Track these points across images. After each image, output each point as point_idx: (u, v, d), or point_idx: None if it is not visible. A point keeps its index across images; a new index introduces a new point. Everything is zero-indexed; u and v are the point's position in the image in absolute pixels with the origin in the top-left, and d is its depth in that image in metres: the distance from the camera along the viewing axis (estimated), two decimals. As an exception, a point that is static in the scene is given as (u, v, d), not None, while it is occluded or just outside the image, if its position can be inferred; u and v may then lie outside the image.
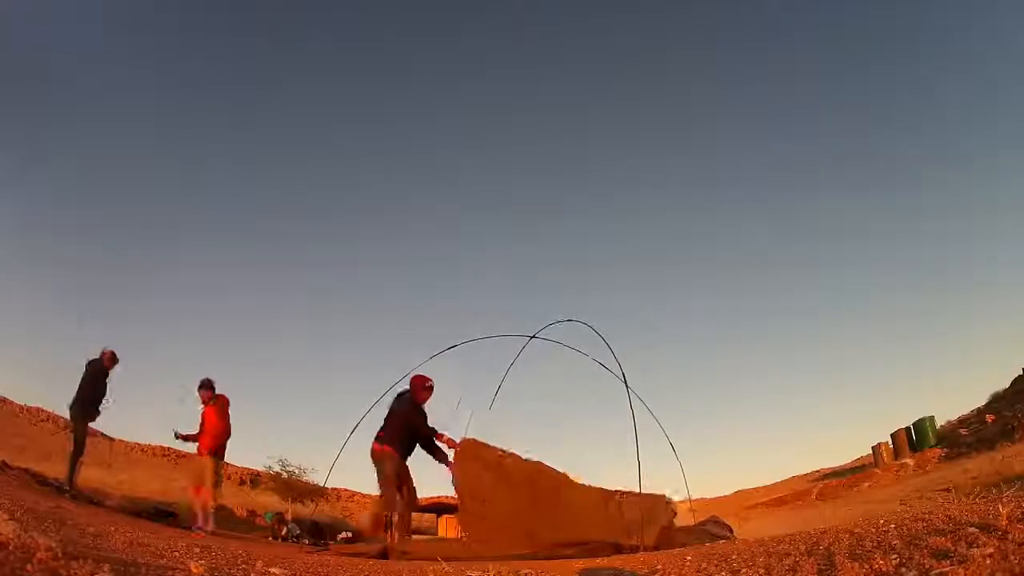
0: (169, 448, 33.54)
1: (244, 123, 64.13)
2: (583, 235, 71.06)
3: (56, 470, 7.32)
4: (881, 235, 63.23)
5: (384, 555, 4.21)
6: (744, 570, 1.58)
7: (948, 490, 9.33)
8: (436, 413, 5.59)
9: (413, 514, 5.74)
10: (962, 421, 20.03)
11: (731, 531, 4.67)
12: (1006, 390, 19.42)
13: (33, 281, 55.18)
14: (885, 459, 18.71)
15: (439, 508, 29.66)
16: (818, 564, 1.42)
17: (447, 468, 5.26)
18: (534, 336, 6.29)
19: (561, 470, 4.91)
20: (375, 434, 5.46)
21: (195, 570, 1.45)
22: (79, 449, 6.84)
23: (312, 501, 25.01)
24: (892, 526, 1.89)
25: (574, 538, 4.11)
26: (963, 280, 58.63)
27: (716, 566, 1.79)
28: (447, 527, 26.76)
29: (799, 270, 67.61)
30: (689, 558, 2.17)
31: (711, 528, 4.62)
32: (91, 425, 7.27)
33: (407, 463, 5.40)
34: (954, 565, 1.13)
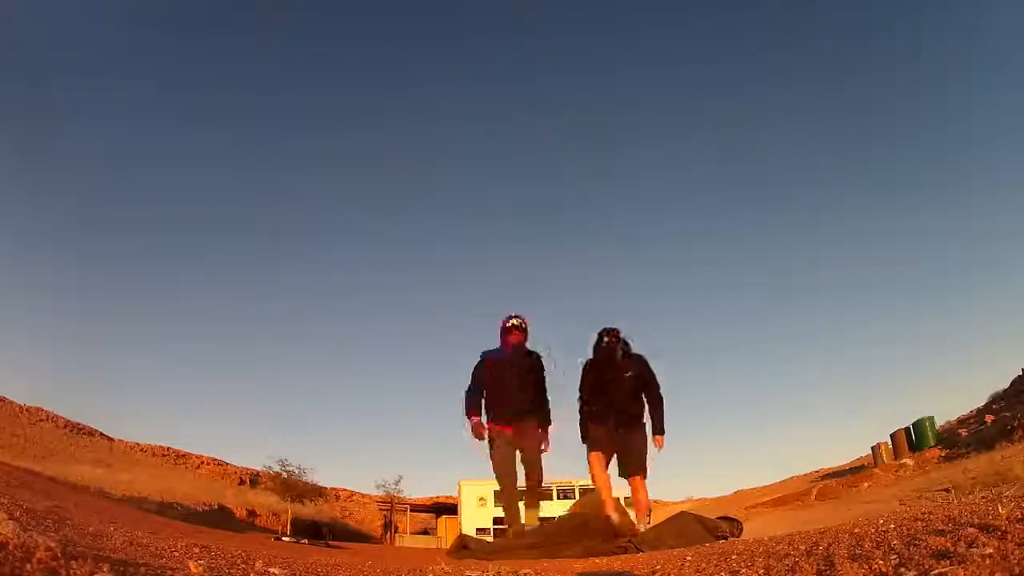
0: (169, 448, 33.55)
1: (248, 125, 64.09)
2: (584, 234, 71.06)
3: (55, 469, 7.34)
4: (881, 235, 63.25)
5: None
6: (743, 570, 1.58)
7: (948, 490, 9.31)
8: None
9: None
10: (962, 421, 20.03)
11: (739, 528, 4.39)
12: (1006, 390, 19.41)
13: (33, 282, 55.17)
14: (885, 459, 18.69)
15: (438, 508, 29.67)
16: (817, 564, 1.42)
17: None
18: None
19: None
20: (521, 408, 4.55)
21: (194, 570, 1.45)
22: None
23: (312, 501, 25.02)
24: (892, 526, 1.89)
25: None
26: (963, 280, 58.72)
27: (715, 566, 1.79)
28: (447, 527, 26.74)
29: (799, 270, 67.61)
30: (689, 558, 2.17)
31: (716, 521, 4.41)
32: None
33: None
34: (954, 565, 1.13)
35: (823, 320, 66.04)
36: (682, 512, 4.41)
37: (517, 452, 4.68)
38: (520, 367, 4.75)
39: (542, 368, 4.90)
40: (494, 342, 4.92)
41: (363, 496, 35.92)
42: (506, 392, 4.66)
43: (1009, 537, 1.27)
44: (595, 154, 71.17)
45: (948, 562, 1.17)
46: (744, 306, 69.15)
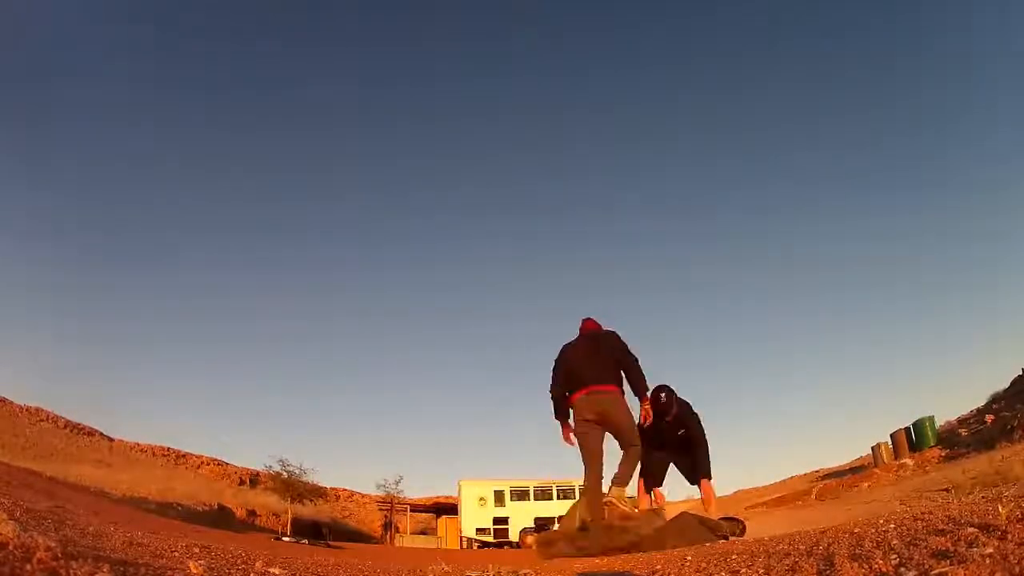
0: (169, 448, 33.55)
1: (251, 124, 64.15)
2: (586, 235, 71.08)
3: (55, 469, 7.33)
4: (881, 235, 63.29)
5: None
6: (743, 570, 1.58)
7: (948, 490, 9.31)
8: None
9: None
10: (962, 421, 20.03)
11: (742, 528, 4.42)
12: (1006, 390, 19.42)
13: (33, 282, 55.20)
14: (885, 459, 18.69)
15: (438, 508, 29.64)
16: (818, 564, 1.42)
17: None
18: None
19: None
20: (590, 380, 4.22)
21: (194, 570, 1.45)
22: None
23: (312, 501, 24.98)
24: (892, 526, 1.89)
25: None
26: (963, 280, 58.75)
27: (716, 566, 1.79)
28: (447, 527, 26.70)
29: (799, 270, 67.64)
30: (689, 558, 2.16)
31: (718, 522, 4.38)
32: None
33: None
34: (954, 565, 1.13)
35: (823, 320, 66.06)
36: (683, 512, 4.40)
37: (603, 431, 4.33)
38: (591, 344, 4.47)
39: (619, 343, 4.45)
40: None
41: (363, 496, 35.90)
42: (580, 369, 4.38)
43: (1009, 537, 1.27)
44: (595, 153, 71.26)
45: (948, 562, 1.17)
46: (744, 306, 69.15)
